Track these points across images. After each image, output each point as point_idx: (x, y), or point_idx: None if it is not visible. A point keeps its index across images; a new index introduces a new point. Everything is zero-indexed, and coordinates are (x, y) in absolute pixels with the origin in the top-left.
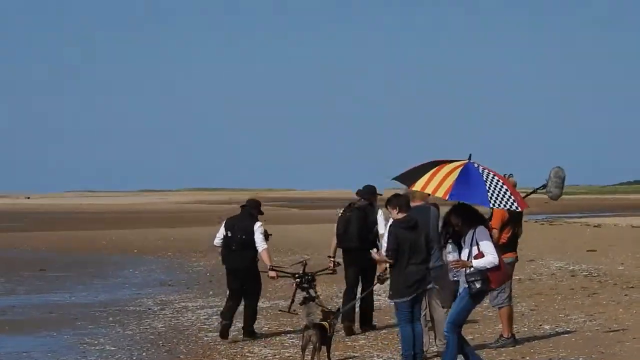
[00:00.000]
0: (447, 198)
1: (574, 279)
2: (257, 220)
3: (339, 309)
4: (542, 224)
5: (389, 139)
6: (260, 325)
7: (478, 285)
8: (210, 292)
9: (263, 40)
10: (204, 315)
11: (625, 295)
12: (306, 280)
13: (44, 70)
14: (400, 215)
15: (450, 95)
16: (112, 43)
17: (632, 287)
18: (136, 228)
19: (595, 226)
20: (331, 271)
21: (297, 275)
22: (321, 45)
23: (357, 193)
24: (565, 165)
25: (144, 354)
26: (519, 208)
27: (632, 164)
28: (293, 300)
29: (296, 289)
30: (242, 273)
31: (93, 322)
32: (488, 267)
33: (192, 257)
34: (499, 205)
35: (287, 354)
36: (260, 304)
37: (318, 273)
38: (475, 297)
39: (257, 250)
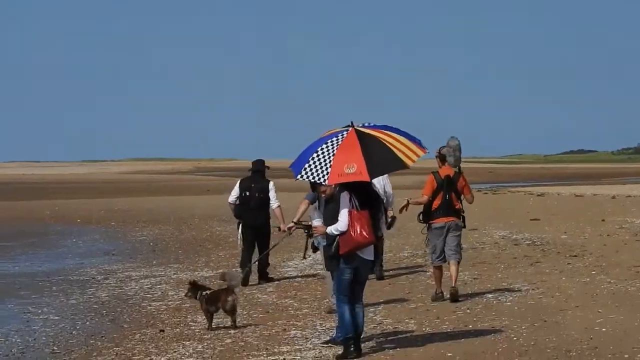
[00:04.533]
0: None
1: (517, 248)
2: (270, 180)
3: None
4: (486, 193)
5: (320, 109)
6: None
7: (331, 250)
8: (154, 262)
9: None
10: (147, 285)
11: (568, 263)
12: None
13: None
14: (329, 191)
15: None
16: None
17: (575, 256)
18: (79, 198)
19: (538, 195)
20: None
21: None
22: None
23: None
24: (510, 135)
25: (87, 322)
26: (326, 182)
27: (576, 133)
28: (307, 248)
29: (308, 239)
30: (259, 229)
31: (37, 292)
32: (335, 232)
33: (135, 226)
34: (307, 177)
35: (230, 323)
36: (203, 273)
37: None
38: (331, 262)
39: (269, 208)
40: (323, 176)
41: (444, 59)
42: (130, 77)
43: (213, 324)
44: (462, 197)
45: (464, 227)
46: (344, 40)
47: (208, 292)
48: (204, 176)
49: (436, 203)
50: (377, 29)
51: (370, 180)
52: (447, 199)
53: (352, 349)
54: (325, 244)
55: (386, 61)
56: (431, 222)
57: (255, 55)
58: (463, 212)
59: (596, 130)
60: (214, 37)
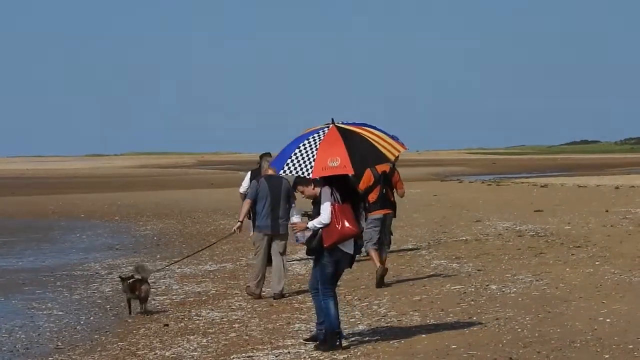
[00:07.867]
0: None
1: (520, 239)
2: None
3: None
4: (490, 184)
5: (320, 103)
6: (207, 288)
7: (312, 244)
8: (158, 256)
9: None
10: (151, 279)
11: (572, 254)
12: None
13: None
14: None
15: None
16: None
17: (579, 247)
18: (83, 193)
19: (542, 186)
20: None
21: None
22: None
23: None
24: (513, 126)
25: (91, 317)
26: (311, 175)
27: (578, 124)
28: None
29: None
30: None
31: (41, 287)
32: (318, 226)
33: (138, 221)
34: (290, 172)
35: (234, 317)
36: (207, 267)
37: None
38: (313, 255)
39: None
40: (307, 170)
41: (443, 47)
42: (132, 73)
43: (221, 317)
44: (394, 190)
45: (395, 217)
46: (337, 36)
47: (130, 281)
48: (208, 170)
49: (373, 196)
50: (363, 14)
51: (355, 173)
52: (384, 192)
53: (337, 343)
54: (304, 240)
55: (378, 51)
56: (368, 214)
57: (258, 49)
58: (395, 204)
59: (599, 121)
60: (211, 32)
